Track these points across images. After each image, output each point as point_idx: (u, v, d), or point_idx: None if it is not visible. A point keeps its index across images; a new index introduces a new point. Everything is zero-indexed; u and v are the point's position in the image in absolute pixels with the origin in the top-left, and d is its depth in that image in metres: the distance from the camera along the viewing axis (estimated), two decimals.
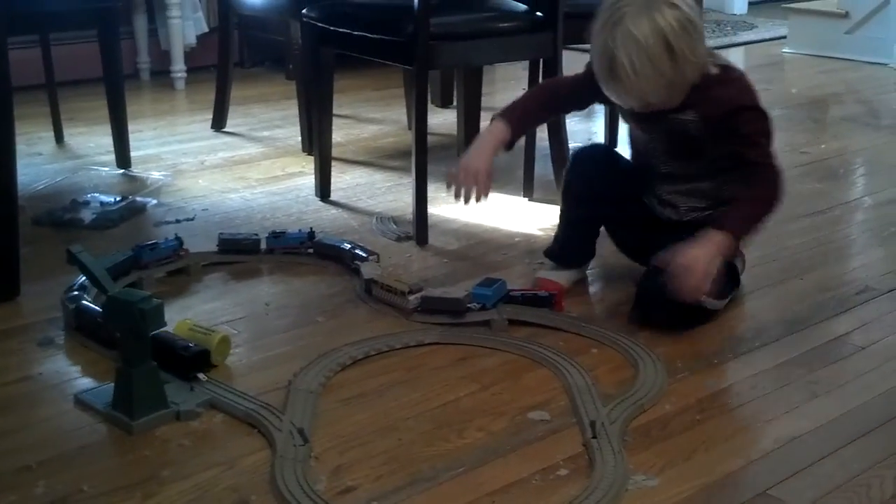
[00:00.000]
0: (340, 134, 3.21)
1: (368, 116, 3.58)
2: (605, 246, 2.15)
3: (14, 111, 1.97)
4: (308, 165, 2.88)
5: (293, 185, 2.78)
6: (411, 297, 1.92)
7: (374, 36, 2.38)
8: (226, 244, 2.22)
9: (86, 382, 1.69)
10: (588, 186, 2.06)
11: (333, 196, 2.67)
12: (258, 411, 1.57)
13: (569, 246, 2.10)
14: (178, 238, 2.17)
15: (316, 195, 2.67)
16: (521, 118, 2.03)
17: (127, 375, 1.54)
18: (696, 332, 1.88)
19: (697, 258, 1.78)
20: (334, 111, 2.71)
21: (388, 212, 2.56)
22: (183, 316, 1.84)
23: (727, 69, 1.94)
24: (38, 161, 2.99)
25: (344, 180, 2.81)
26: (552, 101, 2.12)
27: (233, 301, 2.02)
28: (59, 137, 3.18)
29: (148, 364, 1.55)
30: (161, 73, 4.10)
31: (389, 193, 2.72)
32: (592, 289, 2.11)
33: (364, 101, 3.78)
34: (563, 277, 2.07)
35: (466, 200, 1.97)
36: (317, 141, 2.66)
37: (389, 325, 1.90)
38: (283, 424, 1.53)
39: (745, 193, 1.90)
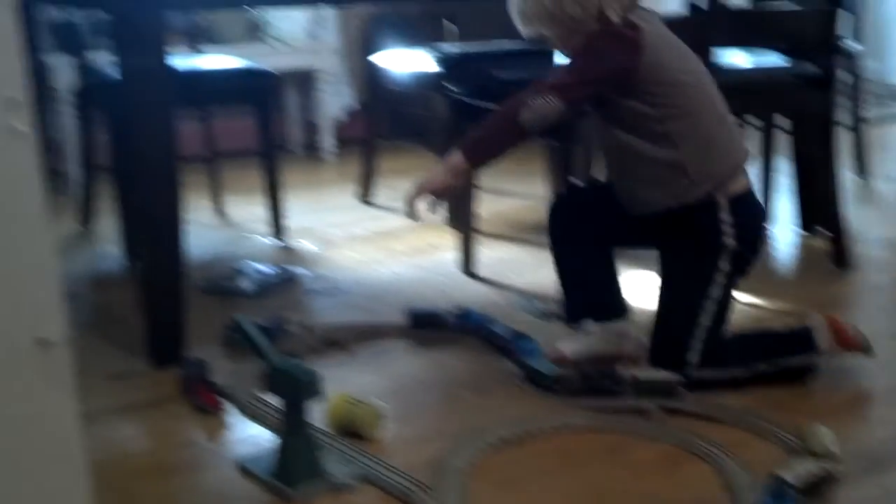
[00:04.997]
0: (483, 208, 3.23)
1: (511, 190, 3.61)
2: None
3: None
4: (452, 239, 2.92)
5: (438, 259, 2.82)
6: None
7: None
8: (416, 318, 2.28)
9: (246, 449, 1.73)
10: (572, 224, 2.04)
11: (478, 271, 2.70)
12: (410, 488, 1.58)
13: (570, 300, 2.06)
14: (528, 337, 2.13)
15: (460, 269, 2.70)
16: (476, 148, 1.92)
17: (287, 444, 1.57)
18: (865, 429, 1.81)
19: (426, 180, 1.88)
20: (477, 184, 2.75)
21: (533, 289, 2.56)
22: (338, 387, 1.87)
23: (631, 23, 1.87)
24: (200, 230, 3.11)
25: (488, 255, 2.83)
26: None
27: (384, 374, 2.05)
28: (218, 208, 3.31)
29: (307, 434, 1.58)
30: (311, 147, 4.24)
31: (534, 270, 2.72)
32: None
33: (506, 175, 3.80)
34: (572, 343, 2.05)
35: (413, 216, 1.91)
36: (461, 215, 2.69)
37: (539, 406, 1.89)
38: None
39: (497, 110, 1.90)
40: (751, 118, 3.09)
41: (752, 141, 3.27)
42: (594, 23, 1.87)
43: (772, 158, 3.11)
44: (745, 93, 2.66)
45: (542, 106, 1.84)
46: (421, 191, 1.88)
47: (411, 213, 1.89)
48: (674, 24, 2.37)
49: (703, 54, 2.39)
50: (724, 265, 1.91)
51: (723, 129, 1.95)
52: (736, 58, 2.81)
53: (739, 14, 2.72)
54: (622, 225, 2.01)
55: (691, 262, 1.94)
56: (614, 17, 1.87)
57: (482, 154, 1.89)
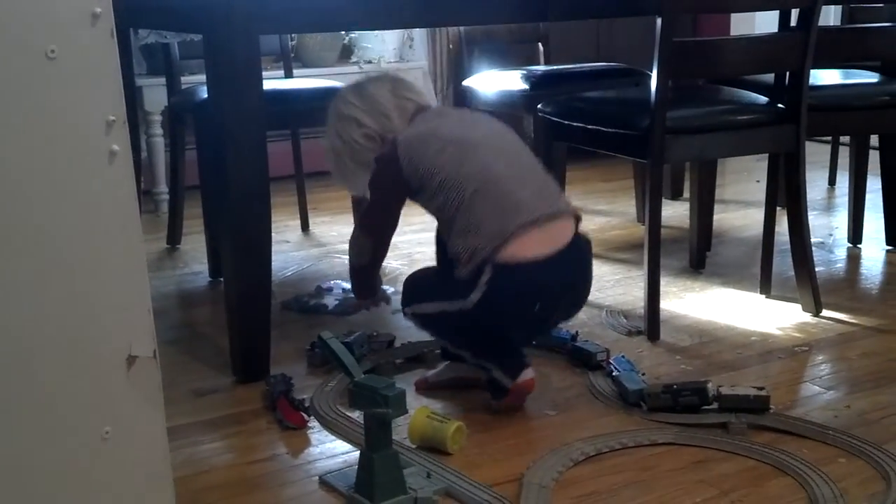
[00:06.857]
0: None
1: (596, 208, 3.59)
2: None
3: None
4: None
5: None
6: None
7: (609, 130, 2.39)
8: None
9: (329, 464, 1.76)
10: None
11: None
12: (493, 503, 1.58)
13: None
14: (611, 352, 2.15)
15: None
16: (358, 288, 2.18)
17: (369, 460, 1.58)
18: None
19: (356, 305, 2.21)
20: None
21: (617, 305, 2.55)
22: (420, 403, 1.88)
23: (392, 139, 1.98)
24: (285, 248, 3.17)
25: None
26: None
27: (467, 390, 2.05)
28: (304, 226, 3.37)
29: (389, 450, 1.59)
30: None
31: (618, 286, 2.71)
32: (836, 394, 2.00)
33: (591, 193, 3.80)
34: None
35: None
36: None
37: (621, 421, 1.88)
38: None
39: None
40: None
41: (843, 157, 3.22)
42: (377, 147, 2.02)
43: (863, 176, 3.06)
44: (837, 111, 2.62)
45: (358, 246, 2.06)
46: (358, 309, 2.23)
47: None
48: (766, 43, 2.36)
49: (797, 74, 2.36)
50: (456, 308, 1.91)
51: (496, 202, 1.88)
52: (828, 76, 2.76)
53: (831, 32, 2.68)
54: None
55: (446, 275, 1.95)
56: (382, 135, 2.03)
57: (364, 289, 2.15)
